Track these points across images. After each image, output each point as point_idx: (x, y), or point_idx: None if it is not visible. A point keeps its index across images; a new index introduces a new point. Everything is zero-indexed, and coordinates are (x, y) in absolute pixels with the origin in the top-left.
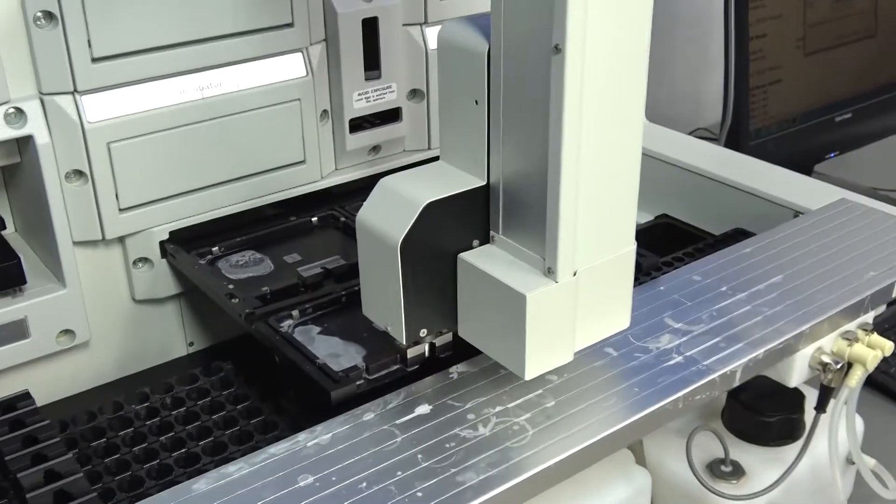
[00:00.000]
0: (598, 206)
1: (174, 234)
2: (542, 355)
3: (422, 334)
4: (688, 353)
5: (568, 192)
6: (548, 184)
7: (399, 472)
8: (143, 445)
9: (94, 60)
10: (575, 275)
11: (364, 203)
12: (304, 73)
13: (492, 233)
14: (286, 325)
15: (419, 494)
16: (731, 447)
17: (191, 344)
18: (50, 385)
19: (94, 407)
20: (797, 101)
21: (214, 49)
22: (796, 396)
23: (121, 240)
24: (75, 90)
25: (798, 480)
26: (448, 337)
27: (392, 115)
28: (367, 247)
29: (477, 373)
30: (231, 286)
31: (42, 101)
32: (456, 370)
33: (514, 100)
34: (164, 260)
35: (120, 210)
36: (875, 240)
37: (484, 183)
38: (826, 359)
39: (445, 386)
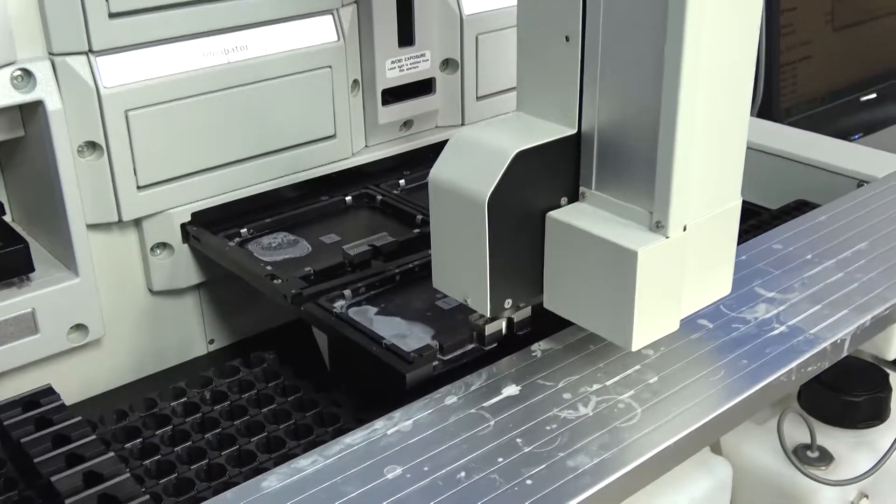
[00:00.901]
0: (710, 153)
1: (196, 217)
2: (649, 323)
3: (506, 305)
4: (790, 323)
5: (684, 135)
6: (661, 127)
7: (500, 459)
8: (187, 444)
9: (112, 16)
10: (685, 230)
11: (437, 159)
12: (336, 38)
13: (582, 189)
14: (339, 305)
15: (528, 482)
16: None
17: (211, 342)
18: (59, 388)
19: (115, 408)
20: (827, 78)
21: (240, 7)
22: (880, 374)
23: (137, 223)
24: (90, 50)
25: (888, 465)
26: (527, 312)
27: (424, 88)
28: (444, 207)
29: (562, 350)
30: (269, 268)
31: (53, 63)
32: (538, 347)
33: (617, 35)
34: (185, 245)
35: (138, 188)
36: None
37: (575, 132)
38: None
39: (530, 365)
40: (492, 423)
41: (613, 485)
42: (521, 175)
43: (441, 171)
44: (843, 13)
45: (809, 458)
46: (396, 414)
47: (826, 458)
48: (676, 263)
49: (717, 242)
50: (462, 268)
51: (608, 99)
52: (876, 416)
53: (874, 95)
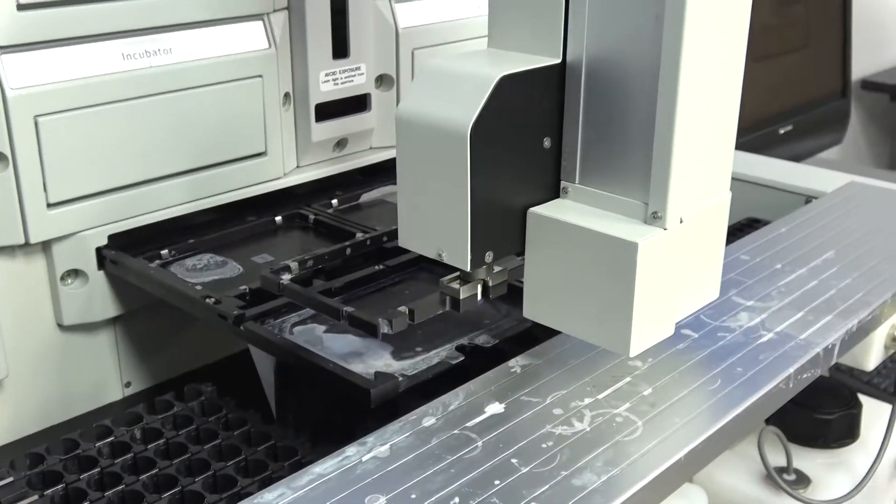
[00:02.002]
0: (705, 138)
1: (113, 240)
2: (647, 325)
3: (486, 259)
4: (778, 329)
5: (685, 115)
6: (659, 106)
7: (497, 482)
8: (119, 489)
9: (21, 7)
10: (681, 222)
11: (407, 93)
12: (267, 45)
13: (564, 183)
14: (283, 326)
15: None
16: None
17: (127, 384)
18: None
19: (29, 451)
20: (748, 109)
21: (163, 6)
22: (848, 392)
23: (45, 247)
24: None
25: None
26: (503, 275)
27: (359, 105)
28: (415, 145)
29: (543, 364)
30: (199, 287)
31: None
32: (517, 363)
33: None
34: (101, 273)
35: (48, 206)
36: None
37: (559, 61)
38: None
39: (511, 382)
40: (480, 443)
41: (628, 503)
42: (505, 105)
43: (411, 104)
44: (760, 44)
45: (787, 480)
46: (369, 439)
47: (803, 480)
48: (674, 258)
49: (709, 240)
50: (436, 217)
51: (596, 30)
52: (849, 434)
53: (791, 128)
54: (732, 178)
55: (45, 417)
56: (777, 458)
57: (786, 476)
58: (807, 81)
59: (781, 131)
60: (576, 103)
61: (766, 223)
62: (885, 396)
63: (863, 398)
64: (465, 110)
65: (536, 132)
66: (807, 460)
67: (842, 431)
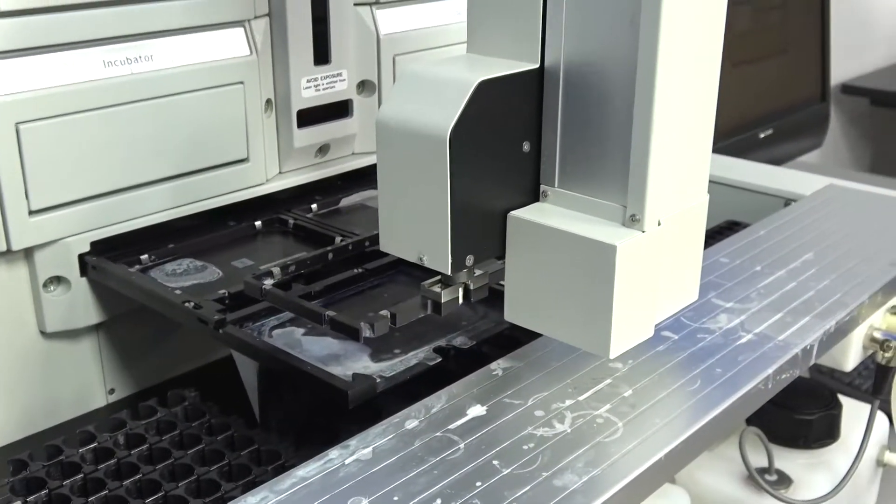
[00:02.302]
0: (681, 140)
1: (96, 246)
2: (626, 327)
3: (468, 262)
4: (757, 331)
5: (661, 116)
6: (636, 107)
7: (479, 483)
8: (102, 494)
9: (1, 15)
10: (659, 224)
11: (387, 97)
12: (248, 52)
13: (543, 187)
14: (262, 329)
15: None
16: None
17: (111, 391)
18: None
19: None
20: (727, 113)
21: (144, 13)
22: (828, 393)
23: (27, 254)
24: None
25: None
26: (483, 279)
27: (341, 111)
28: (395, 150)
29: (524, 367)
30: (179, 292)
31: None
32: (499, 366)
33: None
34: (83, 280)
35: (30, 213)
36: (878, 219)
37: (537, 66)
38: (879, 335)
39: (493, 384)
40: (462, 445)
41: (609, 503)
42: (484, 109)
43: (391, 109)
44: (739, 49)
45: (769, 481)
46: (352, 442)
47: (785, 480)
48: (652, 261)
49: (687, 242)
50: (417, 221)
51: (573, 35)
52: (829, 434)
53: (771, 132)
54: (712, 182)
55: (29, 424)
56: (758, 459)
57: (767, 476)
58: (786, 86)
59: (762, 135)
60: (554, 108)
61: (745, 226)
62: (865, 396)
63: (843, 398)
64: (445, 115)
65: (516, 136)
66: (788, 461)
67: (822, 432)
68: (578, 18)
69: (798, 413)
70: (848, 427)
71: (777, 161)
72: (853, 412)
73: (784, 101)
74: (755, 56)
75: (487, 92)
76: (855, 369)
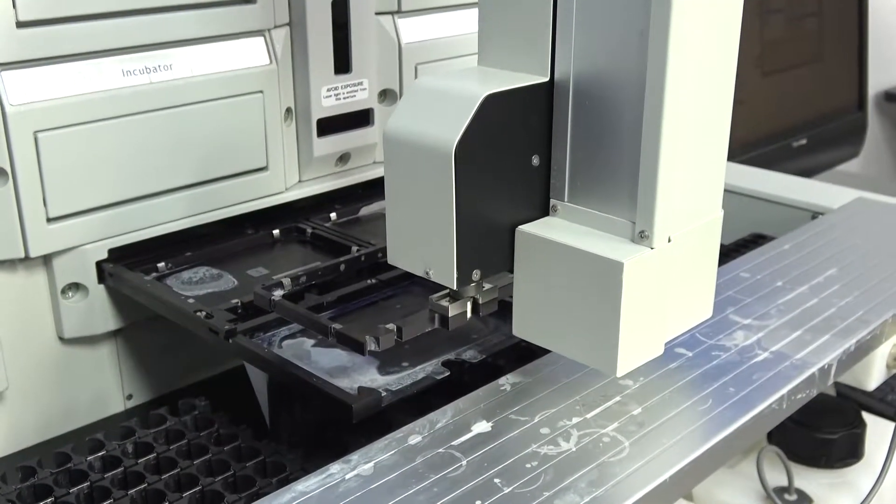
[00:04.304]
0: (693, 155)
1: (114, 253)
2: (633, 345)
3: (474, 277)
4: (774, 349)
5: (670, 133)
6: (645, 125)
7: (478, 502)
8: (107, 503)
9: (20, 25)
10: (670, 241)
11: (394, 111)
12: (268, 61)
13: (553, 202)
14: (272, 340)
15: None
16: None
17: (129, 397)
18: None
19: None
20: (760, 123)
21: (164, 22)
22: (852, 410)
23: (46, 260)
24: None
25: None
26: (493, 293)
27: (362, 119)
28: (403, 164)
29: (533, 383)
30: (192, 301)
31: None
32: (507, 381)
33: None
34: (101, 286)
35: (48, 220)
36: None
37: (547, 79)
38: None
39: (500, 400)
40: (464, 462)
41: None
42: (491, 123)
43: (398, 122)
44: (772, 58)
45: (788, 501)
46: (354, 457)
47: (805, 500)
48: (662, 278)
49: (700, 258)
50: (423, 235)
51: (583, 48)
52: (852, 454)
53: (805, 141)
54: (738, 193)
55: (47, 429)
56: (779, 478)
57: (787, 496)
58: (821, 95)
59: (794, 145)
60: (564, 121)
61: (771, 239)
62: (889, 413)
63: (869, 417)
64: (450, 129)
65: (524, 150)
66: (809, 480)
67: (845, 451)
68: (588, 31)
69: (820, 432)
70: (873, 446)
71: (812, 171)
72: (879, 431)
73: (819, 110)
74: (789, 65)
75: (494, 106)
76: (889, 385)
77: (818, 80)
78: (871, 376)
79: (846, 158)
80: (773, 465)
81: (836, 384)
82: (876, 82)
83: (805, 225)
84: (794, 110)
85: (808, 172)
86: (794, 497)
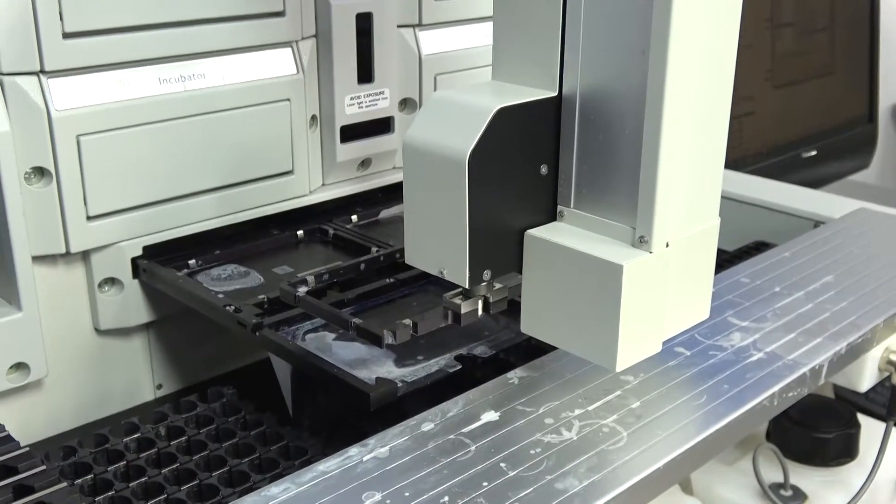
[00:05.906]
0: (691, 165)
1: (148, 251)
2: (633, 342)
3: (485, 277)
4: (768, 350)
5: (669, 144)
6: (645, 135)
7: (485, 483)
8: (142, 480)
9: (66, 36)
10: (668, 246)
11: (413, 121)
12: (295, 71)
13: (560, 207)
14: (296, 333)
15: None
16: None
17: (159, 386)
18: None
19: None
20: (770, 134)
21: (198, 34)
22: (847, 411)
23: (85, 256)
24: (42, 70)
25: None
26: (503, 292)
27: (383, 126)
28: (420, 171)
29: (539, 377)
30: (221, 296)
31: (1, 83)
32: (515, 375)
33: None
34: (135, 282)
35: (88, 218)
36: None
37: (555, 94)
38: (895, 358)
39: (508, 391)
40: (473, 448)
41: None
42: (503, 134)
43: (417, 132)
44: (782, 71)
45: (784, 496)
46: (371, 441)
47: (800, 496)
48: (660, 280)
49: (697, 263)
50: (438, 237)
51: (589, 65)
52: (847, 453)
53: (814, 152)
54: (744, 203)
55: (82, 415)
56: (775, 475)
57: (782, 492)
58: (832, 107)
59: (804, 155)
60: (570, 133)
61: (773, 247)
62: (880, 414)
63: (864, 418)
64: (465, 139)
65: (533, 160)
66: (805, 478)
67: (840, 450)
68: (594, 49)
69: (816, 431)
70: (868, 446)
71: (821, 182)
72: (873, 431)
73: (829, 121)
74: (800, 78)
75: (506, 118)
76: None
77: (829, 92)
78: (864, 378)
79: (855, 170)
80: (770, 462)
81: (834, 387)
82: (887, 94)
83: (805, 234)
84: (804, 122)
85: (817, 183)
86: (789, 493)
